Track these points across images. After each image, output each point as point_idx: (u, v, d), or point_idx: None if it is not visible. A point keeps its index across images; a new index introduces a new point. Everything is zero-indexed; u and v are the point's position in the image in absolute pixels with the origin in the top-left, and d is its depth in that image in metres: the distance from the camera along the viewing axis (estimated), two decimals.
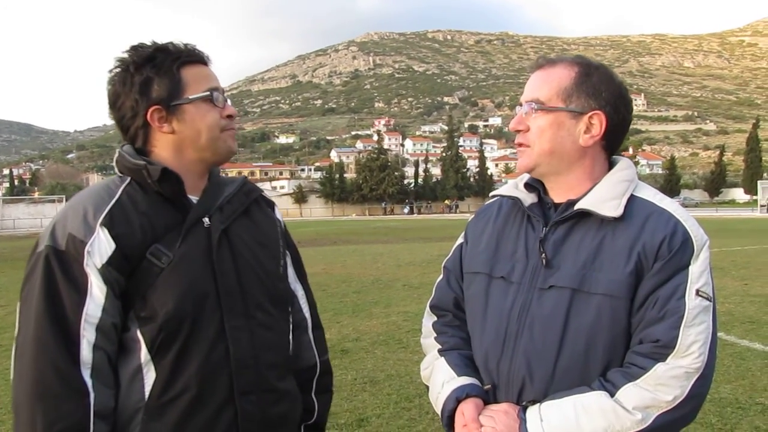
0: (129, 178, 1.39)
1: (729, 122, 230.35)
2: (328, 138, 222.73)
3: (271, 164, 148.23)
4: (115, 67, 1.41)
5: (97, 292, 1.28)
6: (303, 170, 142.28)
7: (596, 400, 1.27)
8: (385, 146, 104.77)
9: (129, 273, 1.32)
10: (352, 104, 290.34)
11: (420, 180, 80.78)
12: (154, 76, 1.38)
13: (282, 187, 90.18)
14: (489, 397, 1.40)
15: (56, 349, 1.24)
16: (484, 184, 77.20)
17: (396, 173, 78.09)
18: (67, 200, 1.53)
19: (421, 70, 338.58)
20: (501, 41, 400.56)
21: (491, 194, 1.61)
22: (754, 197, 59.69)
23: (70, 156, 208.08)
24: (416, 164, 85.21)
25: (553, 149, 1.38)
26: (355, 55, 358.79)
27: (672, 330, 1.26)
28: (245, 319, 1.41)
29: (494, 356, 1.41)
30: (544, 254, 1.37)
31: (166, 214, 1.37)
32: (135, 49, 1.41)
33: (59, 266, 1.28)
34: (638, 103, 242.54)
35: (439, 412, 1.44)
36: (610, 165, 1.45)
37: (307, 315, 1.66)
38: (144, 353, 1.32)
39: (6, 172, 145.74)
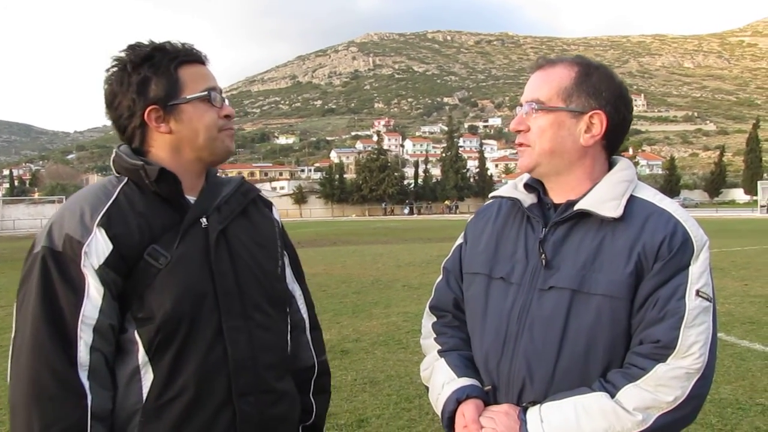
0: (126, 178, 1.38)
1: (729, 122, 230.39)
2: (328, 138, 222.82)
3: (270, 165, 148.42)
4: (112, 67, 1.40)
5: (94, 293, 1.27)
6: (303, 171, 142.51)
7: (597, 401, 1.27)
8: (385, 147, 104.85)
9: (126, 274, 1.31)
10: (352, 105, 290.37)
11: (420, 180, 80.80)
12: (151, 75, 1.37)
13: (282, 188, 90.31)
14: (489, 398, 1.40)
15: (53, 351, 1.24)
16: (484, 184, 77.15)
17: (396, 174, 78.11)
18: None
19: (420, 70, 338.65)
20: (501, 42, 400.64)
21: (490, 195, 1.60)
22: (754, 198, 59.67)
23: (70, 157, 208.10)
24: (416, 165, 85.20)
25: (553, 149, 1.38)
26: (355, 55, 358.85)
27: (672, 331, 1.26)
28: (243, 319, 1.40)
29: (494, 357, 1.40)
30: (543, 255, 1.37)
31: (163, 214, 1.36)
32: (132, 49, 1.40)
33: (56, 267, 1.27)
34: (638, 104, 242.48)
35: (439, 413, 1.44)
36: (610, 165, 1.45)
37: (305, 315, 1.66)
38: (142, 354, 1.32)
39: (6, 172, 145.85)
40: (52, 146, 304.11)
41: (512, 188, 1.53)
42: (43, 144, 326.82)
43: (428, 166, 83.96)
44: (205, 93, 1.41)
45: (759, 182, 55.44)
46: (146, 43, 1.42)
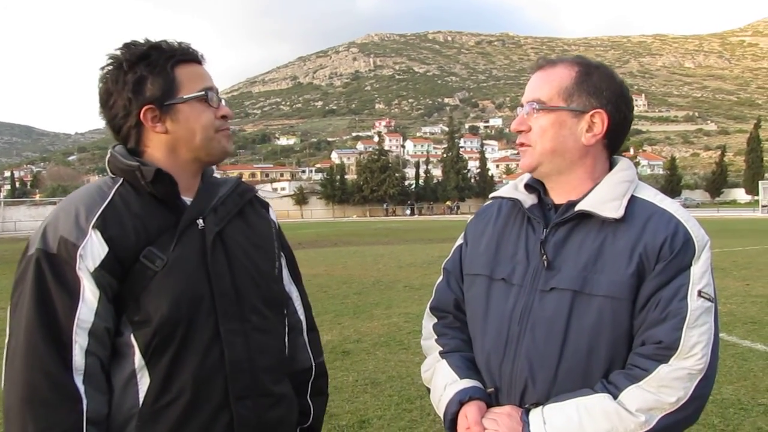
0: (121, 179, 1.36)
1: (730, 122, 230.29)
2: (329, 139, 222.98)
3: (271, 166, 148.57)
4: (108, 65, 1.38)
5: (89, 296, 1.25)
6: (304, 172, 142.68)
7: (599, 402, 1.26)
8: (386, 147, 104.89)
9: (122, 276, 1.29)
10: (353, 105, 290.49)
11: (421, 181, 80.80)
12: (147, 74, 1.35)
13: (283, 189, 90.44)
14: (491, 400, 1.40)
15: (48, 355, 1.22)
16: (485, 185, 77.09)
17: (397, 174, 78.10)
18: None
19: (421, 71, 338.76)
20: (501, 42, 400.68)
21: (491, 196, 1.60)
22: (756, 197, 59.70)
23: (71, 158, 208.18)
24: (417, 165, 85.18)
25: (555, 148, 1.38)
26: (356, 56, 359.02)
27: (674, 331, 1.25)
28: (240, 322, 1.39)
29: (496, 358, 1.40)
30: (545, 256, 1.37)
31: (159, 215, 1.35)
32: (128, 47, 1.38)
33: (50, 270, 1.25)
34: (639, 104, 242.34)
35: (441, 415, 1.44)
36: (611, 165, 1.45)
37: (302, 317, 1.64)
38: (138, 358, 1.30)
39: (7, 174, 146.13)
40: (53, 148, 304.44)
41: (513, 189, 1.52)
42: (44, 145, 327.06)
43: (429, 167, 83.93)
44: (202, 93, 1.39)
45: (760, 182, 55.41)
46: (142, 41, 1.40)
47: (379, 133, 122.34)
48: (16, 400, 1.22)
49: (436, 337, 1.56)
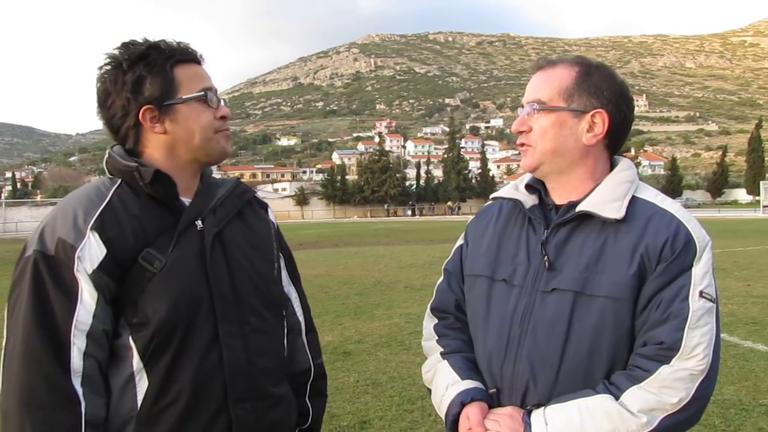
0: (120, 180, 1.35)
1: (731, 123, 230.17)
2: (330, 140, 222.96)
3: (272, 166, 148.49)
4: (106, 65, 1.36)
5: (87, 298, 1.24)
6: (304, 172, 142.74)
7: (601, 403, 1.26)
8: (387, 148, 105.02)
9: (120, 278, 1.28)
10: (354, 106, 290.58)
11: (422, 182, 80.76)
12: (146, 74, 1.34)
13: (284, 189, 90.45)
14: (493, 401, 1.40)
15: (46, 358, 1.21)
16: (486, 185, 77.16)
17: (397, 175, 78.11)
18: None
19: (422, 71, 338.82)
20: (502, 42, 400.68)
21: (491, 196, 1.60)
22: (757, 198, 59.62)
23: (72, 159, 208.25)
24: (418, 166, 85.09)
25: (555, 148, 1.38)
26: (357, 56, 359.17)
27: (676, 332, 1.25)
28: (239, 324, 1.38)
29: (497, 359, 1.40)
30: (546, 257, 1.37)
31: (158, 216, 1.34)
32: (126, 47, 1.37)
33: (48, 272, 1.24)
34: (640, 104, 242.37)
35: (442, 416, 1.43)
36: (612, 165, 1.45)
37: (301, 318, 1.64)
38: (136, 361, 1.29)
39: (8, 175, 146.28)
40: (54, 148, 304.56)
41: (513, 189, 1.52)
42: (46, 146, 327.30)
43: (430, 168, 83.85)
44: (202, 93, 1.38)
45: (761, 182, 55.34)
46: (141, 41, 1.38)
47: (379, 134, 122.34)
48: (14, 403, 1.21)
49: (437, 338, 1.56)
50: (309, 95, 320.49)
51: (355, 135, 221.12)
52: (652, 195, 1.39)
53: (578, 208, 1.37)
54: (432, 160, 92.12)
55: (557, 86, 1.38)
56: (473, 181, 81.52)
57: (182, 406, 1.31)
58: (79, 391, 1.23)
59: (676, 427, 1.26)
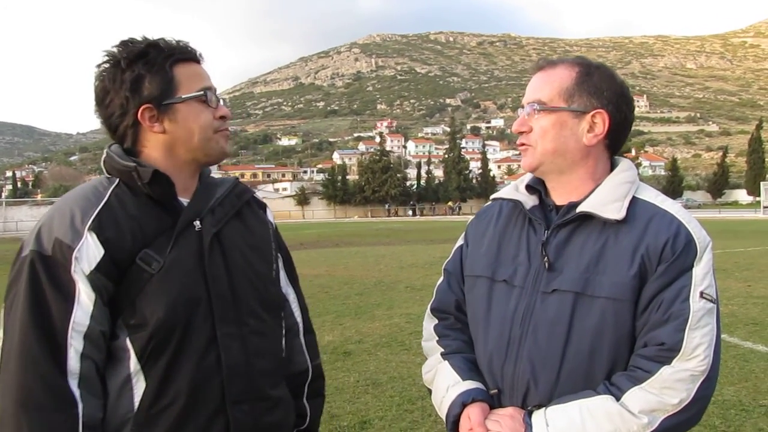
0: (117, 180, 1.34)
1: (731, 123, 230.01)
2: (331, 140, 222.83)
3: (273, 166, 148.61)
4: (104, 63, 1.35)
5: (85, 299, 1.23)
6: (305, 172, 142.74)
7: (602, 404, 1.26)
8: (388, 148, 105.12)
9: (118, 279, 1.27)
10: (355, 106, 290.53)
11: (422, 182, 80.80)
12: (145, 73, 1.33)
13: (284, 189, 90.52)
14: (494, 402, 1.40)
15: (43, 359, 1.20)
16: (487, 185, 77.20)
17: (398, 175, 78.15)
18: None
19: (423, 71, 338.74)
20: (503, 43, 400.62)
21: (492, 197, 1.60)
22: (757, 198, 59.62)
23: (72, 158, 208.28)
24: (418, 166, 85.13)
25: (556, 149, 1.38)
26: (358, 56, 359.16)
27: (677, 333, 1.26)
28: (237, 326, 1.37)
29: (498, 360, 1.40)
30: (546, 258, 1.37)
31: (156, 217, 1.33)
32: (125, 45, 1.35)
33: (45, 272, 1.23)
34: (641, 105, 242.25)
35: (443, 417, 1.43)
36: (612, 166, 1.45)
37: (299, 319, 1.62)
38: (134, 362, 1.28)
39: (9, 174, 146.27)
40: (54, 148, 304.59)
41: (513, 190, 1.52)
42: (46, 145, 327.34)
43: (431, 168, 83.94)
44: (201, 93, 1.37)
45: (762, 183, 55.35)
46: (139, 39, 1.37)
47: (380, 134, 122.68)
48: (11, 403, 1.20)
49: (437, 338, 1.55)
50: (310, 95, 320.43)
51: (356, 135, 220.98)
52: (652, 196, 1.39)
53: (579, 209, 1.37)
54: (433, 160, 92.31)
55: (557, 87, 1.38)
56: (474, 181, 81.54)
57: (180, 408, 1.30)
58: (76, 392, 1.22)
59: (676, 428, 1.27)
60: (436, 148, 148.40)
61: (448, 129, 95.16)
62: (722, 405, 4.24)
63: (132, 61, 1.32)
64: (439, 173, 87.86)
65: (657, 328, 1.27)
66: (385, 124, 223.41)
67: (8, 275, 1.28)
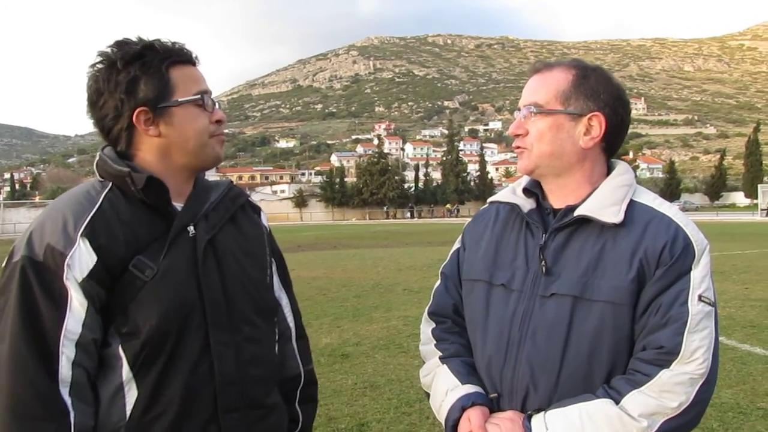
0: (110, 184, 1.31)
1: (729, 126, 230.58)
2: (329, 142, 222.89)
3: (271, 168, 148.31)
4: (98, 63, 1.32)
5: (77, 306, 1.21)
6: (303, 174, 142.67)
7: (601, 407, 1.26)
8: (386, 150, 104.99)
9: (110, 286, 1.25)
10: (353, 108, 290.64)
11: (420, 184, 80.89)
12: (141, 75, 1.30)
13: (282, 191, 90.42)
14: (493, 405, 1.39)
15: (34, 367, 1.18)
16: (485, 188, 77.20)
17: (396, 177, 78.23)
18: None
19: (421, 74, 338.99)
20: (501, 45, 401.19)
21: (489, 200, 1.60)
22: (755, 201, 59.71)
23: (71, 160, 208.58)
24: (416, 168, 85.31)
25: (553, 151, 1.38)
26: (356, 59, 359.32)
27: (676, 336, 1.26)
28: (231, 333, 1.35)
29: (497, 364, 1.40)
30: (544, 261, 1.37)
31: (149, 223, 1.30)
32: (120, 46, 1.32)
33: (36, 279, 1.20)
34: (638, 107, 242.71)
35: (442, 420, 1.43)
36: (609, 169, 1.44)
37: (291, 324, 1.60)
38: (126, 371, 1.26)
39: (7, 176, 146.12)
40: (53, 150, 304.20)
41: (511, 193, 1.52)
42: (44, 147, 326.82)
43: (429, 170, 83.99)
44: (198, 96, 1.35)
45: (759, 186, 55.50)
46: (135, 40, 1.34)
47: (378, 136, 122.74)
48: (2, 412, 1.18)
49: (435, 342, 1.55)
50: (308, 97, 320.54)
51: (353, 137, 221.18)
52: (650, 199, 1.39)
53: (576, 213, 1.36)
54: (431, 162, 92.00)
55: (554, 89, 1.38)
56: (472, 183, 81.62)
57: (172, 417, 1.28)
58: (68, 401, 1.20)
59: (675, 431, 1.26)
60: (434, 151, 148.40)
61: (446, 131, 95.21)
62: (720, 408, 4.24)
63: (128, 63, 1.30)
64: (437, 175, 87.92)
65: (656, 332, 1.27)
66: (383, 126, 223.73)
67: None
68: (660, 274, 1.28)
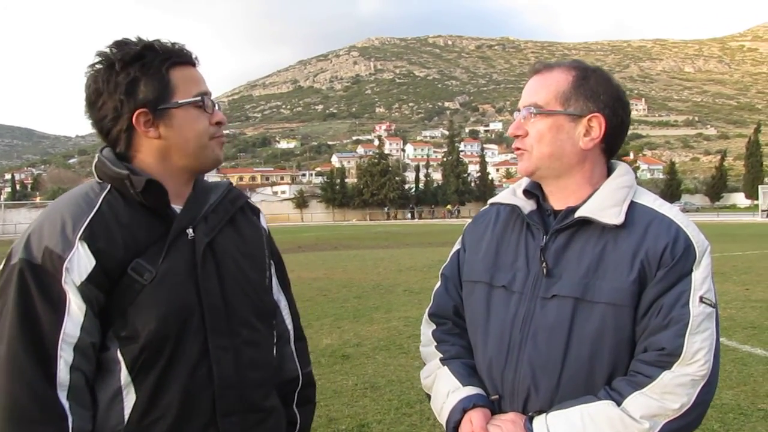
0: (109, 186, 1.30)
1: (730, 127, 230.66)
2: (329, 143, 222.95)
3: (272, 169, 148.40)
4: (97, 63, 1.31)
5: (75, 310, 1.20)
6: (304, 175, 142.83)
7: (603, 409, 1.26)
8: (386, 151, 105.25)
9: (109, 290, 1.24)
10: (353, 109, 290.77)
11: (421, 185, 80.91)
12: (141, 76, 1.29)
13: (283, 192, 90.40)
14: (495, 407, 1.39)
15: (31, 371, 1.17)
16: (485, 189, 77.22)
17: (397, 178, 78.25)
18: None
19: (422, 75, 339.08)
20: (502, 46, 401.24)
21: (489, 201, 1.60)
22: (755, 202, 59.76)
23: (71, 161, 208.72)
24: (417, 169, 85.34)
25: (552, 153, 1.38)
26: (356, 60, 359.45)
27: (677, 338, 1.25)
28: (230, 337, 1.34)
29: (498, 366, 1.40)
30: (545, 263, 1.37)
31: (148, 225, 1.29)
32: (120, 46, 1.31)
33: (35, 282, 1.19)
34: (639, 108, 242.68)
35: (443, 422, 1.43)
36: (609, 170, 1.44)
37: (290, 326, 1.60)
38: (124, 374, 1.26)
39: (8, 176, 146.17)
40: (53, 150, 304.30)
41: (511, 194, 1.51)
42: (45, 148, 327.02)
43: (429, 171, 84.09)
44: (198, 98, 1.34)
45: (760, 186, 55.49)
46: (134, 40, 1.33)
47: (379, 137, 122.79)
48: (0, 415, 1.17)
49: (435, 343, 1.55)
50: (309, 98, 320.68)
51: (354, 138, 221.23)
52: (650, 200, 1.39)
53: (577, 214, 1.36)
54: (431, 163, 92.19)
55: (554, 90, 1.38)
56: (472, 184, 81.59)
57: (170, 421, 1.27)
58: (66, 404, 1.19)
59: None
60: (434, 152, 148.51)
61: (447, 132, 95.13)
62: (720, 409, 4.24)
63: (127, 64, 1.28)
64: (437, 176, 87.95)
65: (657, 333, 1.27)
66: (383, 127, 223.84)
67: None
68: (661, 275, 1.28)
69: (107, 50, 1.31)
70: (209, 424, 1.31)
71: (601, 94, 1.37)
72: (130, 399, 1.26)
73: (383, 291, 10.47)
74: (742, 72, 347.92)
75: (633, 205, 1.36)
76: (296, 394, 1.59)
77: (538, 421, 1.30)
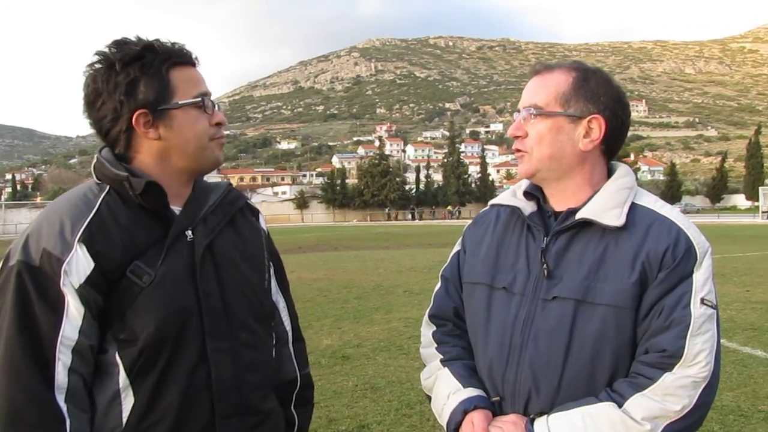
0: (108, 187, 1.29)
1: (730, 128, 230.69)
2: (330, 144, 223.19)
3: (272, 170, 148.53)
4: (97, 63, 1.30)
5: (73, 312, 1.19)
6: (305, 176, 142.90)
7: (604, 411, 1.26)
8: (387, 152, 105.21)
9: (107, 292, 1.23)
10: (354, 110, 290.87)
11: (421, 186, 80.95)
12: (141, 76, 1.28)
13: (284, 193, 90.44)
14: (496, 409, 1.39)
15: (30, 373, 1.16)
16: (486, 190, 77.28)
17: (397, 179, 78.31)
18: None
19: (422, 76, 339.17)
20: (502, 47, 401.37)
21: (490, 203, 1.59)
22: (756, 203, 59.74)
23: (72, 161, 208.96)
24: (417, 170, 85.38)
25: (552, 154, 1.38)
26: (357, 61, 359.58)
27: (678, 339, 1.25)
28: (228, 340, 1.34)
29: (499, 368, 1.39)
30: (545, 265, 1.36)
31: (147, 227, 1.28)
32: (119, 46, 1.29)
33: (33, 284, 1.19)
34: (639, 110, 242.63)
35: (443, 424, 1.43)
36: (609, 171, 1.44)
37: (288, 327, 1.59)
38: (123, 377, 1.25)
39: (8, 177, 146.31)
40: (54, 151, 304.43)
41: (511, 196, 1.51)
42: (46, 148, 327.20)
43: (430, 172, 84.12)
44: (198, 99, 1.33)
45: (760, 188, 55.43)
46: (133, 40, 1.31)
47: (380, 138, 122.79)
48: None
49: (436, 345, 1.54)
50: (309, 99, 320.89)
51: (355, 139, 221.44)
52: (651, 201, 1.39)
53: (578, 216, 1.36)
54: (432, 164, 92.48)
55: (554, 91, 1.38)
56: (473, 185, 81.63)
57: (169, 424, 1.27)
58: (64, 407, 1.19)
59: None
60: (435, 152, 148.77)
61: (447, 133, 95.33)
62: (721, 410, 4.23)
63: (127, 64, 1.27)
64: (438, 177, 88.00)
65: (658, 335, 1.27)
66: (384, 128, 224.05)
67: None
68: (662, 277, 1.28)
69: (107, 50, 1.30)
70: (208, 427, 1.31)
71: (602, 95, 1.37)
72: (128, 402, 1.26)
73: (383, 292, 10.47)
74: (743, 73, 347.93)
75: (634, 207, 1.36)
76: (294, 395, 1.58)
77: (540, 423, 1.30)
